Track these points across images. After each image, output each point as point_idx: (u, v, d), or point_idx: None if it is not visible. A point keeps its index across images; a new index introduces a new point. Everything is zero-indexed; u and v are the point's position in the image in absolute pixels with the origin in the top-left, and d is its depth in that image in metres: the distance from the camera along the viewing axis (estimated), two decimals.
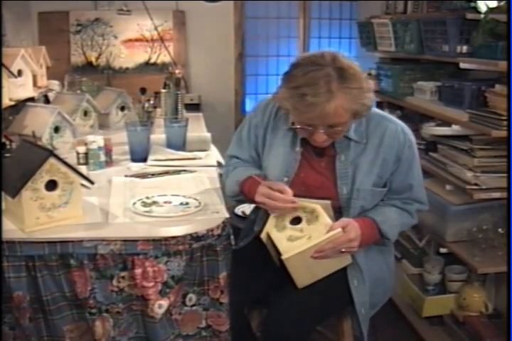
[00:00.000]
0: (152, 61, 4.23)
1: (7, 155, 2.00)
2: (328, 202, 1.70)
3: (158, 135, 2.51)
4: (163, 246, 1.51)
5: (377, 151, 1.71)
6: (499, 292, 2.56)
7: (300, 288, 1.70)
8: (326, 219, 1.63)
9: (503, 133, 2.07)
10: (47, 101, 2.93)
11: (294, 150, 1.77)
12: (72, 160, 2.02)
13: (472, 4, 2.18)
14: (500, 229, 2.32)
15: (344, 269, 1.74)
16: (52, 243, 1.48)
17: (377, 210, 1.75)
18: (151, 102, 3.04)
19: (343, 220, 1.65)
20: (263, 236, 1.71)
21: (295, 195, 1.69)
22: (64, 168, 1.54)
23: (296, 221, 1.67)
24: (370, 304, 1.78)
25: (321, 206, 1.66)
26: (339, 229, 1.60)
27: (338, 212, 1.74)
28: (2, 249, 1.45)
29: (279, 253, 1.66)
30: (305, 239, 1.63)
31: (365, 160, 1.71)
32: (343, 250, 1.63)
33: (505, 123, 2.05)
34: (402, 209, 1.78)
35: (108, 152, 2.21)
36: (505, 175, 2.21)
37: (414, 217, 1.82)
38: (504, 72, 2.27)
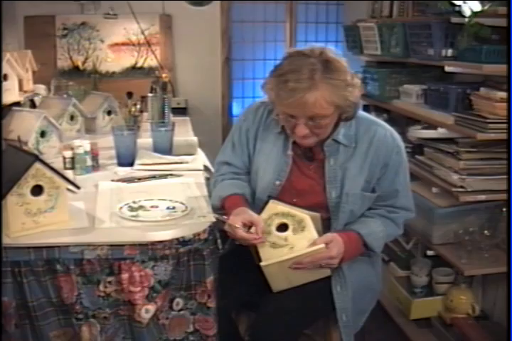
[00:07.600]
0: (139, 65, 4.22)
1: None
2: (318, 214, 1.70)
3: (145, 139, 2.50)
4: (150, 251, 1.51)
5: (365, 156, 1.71)
6: (486, 294, 2.58)
7: (287, 292, 1.70)
8: (312, 232, 1.63)
9: (488, 136, 2.09)
10: (33, 105, 2.91)
11: (285, 154, 1.77)
12: (58, 164, 2.01)
13: (457, 8, 2.20)
14: (486, 231, 2.33)
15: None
16: (38, 248, 1.47)
17: (362, 222, 1.74)
18: (138, 106, 3.03)
19: (328, 236, 1.64)
20: None
21: (285, 201, 1.70)
22: (50, 173, 1.52)
23: (283, 228, 1.66)
24: (357, 310, 1.78)
25: (311, 217, 1.66)
26: (322, 245, 1.60)
27: (327, 219, 1.73)
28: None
29: (259, 257, 1.65)
30: (287, 248, 1.63)
31: (354, 164, 1.71)
32: (323, 265, 1.64)
33: (490, 126, 2.07)
34: (387, 219, 1.77)
35: (94, 156, 2.20)
36: (491, 177, 2.24)
37: (400, 226, 1.81)
38: (489, 76, 2.30)
